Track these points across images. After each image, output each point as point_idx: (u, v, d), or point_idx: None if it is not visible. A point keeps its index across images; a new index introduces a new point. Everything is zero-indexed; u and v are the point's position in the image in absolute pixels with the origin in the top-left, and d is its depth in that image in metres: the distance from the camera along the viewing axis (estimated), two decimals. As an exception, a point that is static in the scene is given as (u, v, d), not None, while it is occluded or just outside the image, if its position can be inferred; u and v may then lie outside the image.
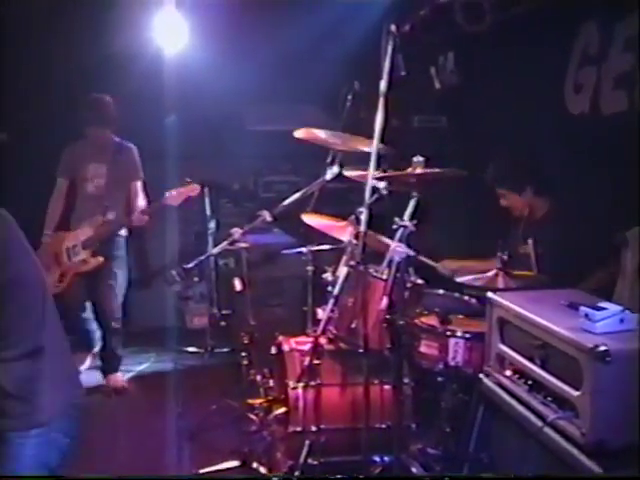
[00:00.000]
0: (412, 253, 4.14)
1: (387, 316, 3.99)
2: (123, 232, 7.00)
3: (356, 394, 4.69)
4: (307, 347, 4.74)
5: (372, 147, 4.14)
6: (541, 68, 5.77)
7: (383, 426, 4.55)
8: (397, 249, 4.00)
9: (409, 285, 4.34)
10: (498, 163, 5.47)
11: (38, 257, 6.41)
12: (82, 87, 7.35)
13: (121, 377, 7.09)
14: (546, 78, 5.72)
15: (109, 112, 6.87)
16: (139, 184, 7.01)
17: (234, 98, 7.97)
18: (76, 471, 5.03)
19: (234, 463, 5.07)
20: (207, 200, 7.78)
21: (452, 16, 5.96)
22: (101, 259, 6.75)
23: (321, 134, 5.12)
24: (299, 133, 5.17)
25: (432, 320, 4.63)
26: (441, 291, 4.98)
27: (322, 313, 4.69)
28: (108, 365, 7.08)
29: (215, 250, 5.44)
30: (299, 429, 4.72)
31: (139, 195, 6.96)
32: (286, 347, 5.01)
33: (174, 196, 6.54)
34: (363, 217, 4.06)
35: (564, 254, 4.81)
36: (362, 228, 4.03)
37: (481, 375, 4.12)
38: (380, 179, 4.32)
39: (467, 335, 4.47)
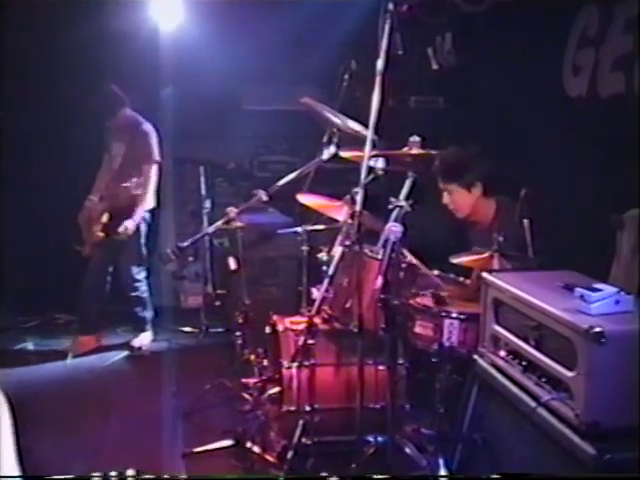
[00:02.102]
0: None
1: (382, 296, 3.98)
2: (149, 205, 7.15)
3: (350, 374, 4.70)
4: (301, 327, 4.73)
5: (368, 127, 4.13)
6: (539, 49, 5.74)
7: (377, 406, 4.55)
8: (392, 229, 3.99)
9: (404, 265, 4.33)
10: (449, 153, 5.14)
11: (79, 219, 6.59)
12: (80, 66, 7.33)
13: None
14: (544, 60, 5.69)
15: (118, 98, 7.04)
16: (153, 168, 7.09)
17: (231, 78, 7.92)
18: (69, 450, 5.08)
19: (228, 442, 5.07)
20: (202, 179, 7.78)
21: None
22: (123, 232, 6.91)
23: (323, 109, 5.10)
24: (304, 100, 5.15)
25: (427, 301, 4.62)
26: (436, 272, 4.98)
27: (317, 293, 4.68)
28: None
29: (210, 229, 5.42)
30: (293, 409, 4.73)
31: (150, 180, 7.06)
32: (280, 327, 5.01)
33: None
34: (359, 197, 4.04)
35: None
36: (357, 208, 4.02)
37: (475, 356, 4.12)
38: (376, 157, 4.30)
39: (462, 316, 4.46)
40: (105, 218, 6.92)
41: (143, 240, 7.13)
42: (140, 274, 7.23)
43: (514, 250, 4.56)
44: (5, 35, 7.03)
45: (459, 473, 4.13)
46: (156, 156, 7.08)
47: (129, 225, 6.86)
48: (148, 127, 7.08)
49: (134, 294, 7.25)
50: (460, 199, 5.17)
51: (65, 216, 7.06)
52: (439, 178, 5.16)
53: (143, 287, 7.30)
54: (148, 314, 7.39)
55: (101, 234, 6.92)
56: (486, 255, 4.53)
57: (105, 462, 4.93)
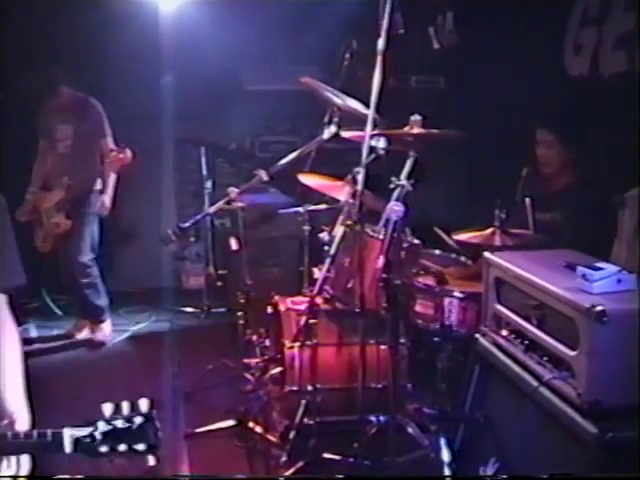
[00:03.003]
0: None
1: (384, 276, 3.97)
2: (98, 186, 6.91)
3: (352, 354, 4.71)
4: (303, 307, 4.74)
5: (369, 107, 4.11)
6: (540, 29, 5.72)
7: (379, 386, 4.56)
8: (394, 208, 3.97)
9: (406, 245, 4.32)
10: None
11: (21, 212, 6.43)
12: (79, 46, 7.30)
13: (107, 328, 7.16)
14: (546, 39, 5.67)
15: (54, 76, 6.77)
16: (109, 140, 6.82)
17: (231, 57, 7.91)
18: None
19: (230, 422, 5.08)
20: (203, 160, 7.77)
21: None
22: (69, 222, 6.77)
23: (324, 88, 5.08)
24: (305, 79, 5.13)
25: (428, 280, 4.62)
26: (437, 251, 4.97)
27: (318, 273, 4.67)
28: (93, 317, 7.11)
29: (211, 210, 5.40)
30: (295, 389, 4.74)
31: (108, 154, 6.72)
32: (282, 307, 5.01)
33: (110, 163, 6.62)
34: (360, 177, 4.03)
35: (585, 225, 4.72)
36: (359, 187, 4.01)
37: (477, 335, 4.13)
38: (377, 137, 4.29)
39: (461, 295, 4.47)
40: (62, 204, 6.77)
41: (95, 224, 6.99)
42: (91, 259, 6.97)
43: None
44: (6, 15, 6.97)
45: (461, 454, 4.15)
46: (108, 129, 6.85)
47: (106, 200, 6.83)
48: (95, 101, 6.83)
49: (86, 280, 6.93)
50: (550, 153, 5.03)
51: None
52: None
53: (95, 272, 7.03)
54: (103, 301, 7.11)
55: (65, 221, 6.78)
56: (488, 232, 4.53)
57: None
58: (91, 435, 2.29)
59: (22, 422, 2.60)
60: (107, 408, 2.34)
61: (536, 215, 4.83)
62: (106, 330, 7.10)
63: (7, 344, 2.78)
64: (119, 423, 2.31)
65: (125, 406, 2.35)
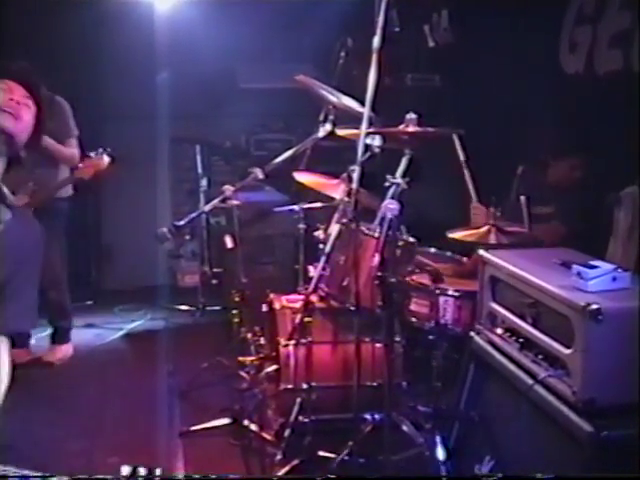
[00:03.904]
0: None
1: (379, 274, 3.97)
2: (65, 193, 6.45)
3: (347, 352, 4.72)
4: (298, 305, 4.74)
5: (364, 105, 4.11)
6: (536, 27, 5.72)
7: (374, 384, 4.57)
8: (389, 206, 3.97)
9: (401, 243, 4.32)
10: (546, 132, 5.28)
11: None
12: (74, 43, 7.30)
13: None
14: (541, 37, 5.67)
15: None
16: (73, 141, 6.40)
17: (227, 56, 7.91)
18: (66, 428, 5.09)
19: (225, 421, 5.09)
20: (199, 158, 7.77)
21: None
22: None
23: (319, 86, 5.08)
24: (299, 77, 5.13)
25: (423, 278, 4.62)
26: (433, 250, 4.97)
27: (314, 271, 4.67)
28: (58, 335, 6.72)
29: (207, 208, 5.39)
30: (290, 387, 4.74)
31: (75, 153, 6.40)
32: (277, 305, 5.02)
33: (83, 169, 6.16)
34: (355, 175, 4.02)
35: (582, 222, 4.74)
36: (354, 186, 4.01)
37: (472, 333, 4.13)
38: (373, 135, 4.29)
39: (456, 293, 4.47)
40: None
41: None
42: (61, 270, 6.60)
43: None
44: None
45: (456, 452, 4.15)
46: (74, 130, 6.43)
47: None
48: (60, 99, 6.38)
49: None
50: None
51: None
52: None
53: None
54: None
55: None
56: (483, 230, 4.54)
57: (102, 441, 4.96)
58: None
59: None
60: (125, 470, 2.38)
61: (532, 210, 4.85)
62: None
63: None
64: None
65: (142, 471, 2.39)
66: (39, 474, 2.57)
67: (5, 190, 3.19)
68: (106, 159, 6.10)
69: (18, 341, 6.29)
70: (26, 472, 2.56)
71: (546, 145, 5.22)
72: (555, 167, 5.10)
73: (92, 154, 6.14)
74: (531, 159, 5.14)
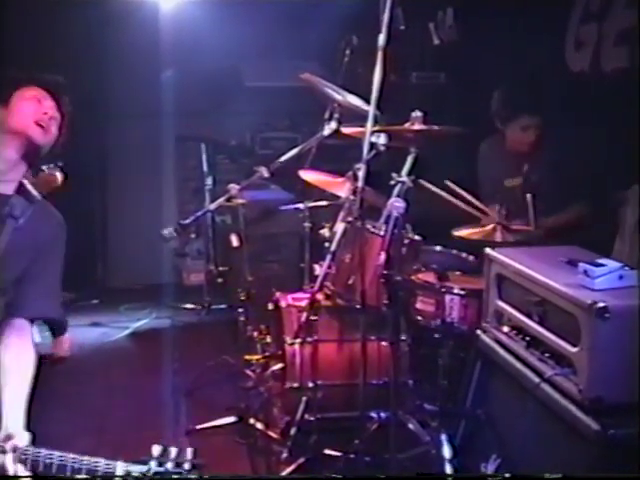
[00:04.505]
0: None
1: (384, 272, 3.97)
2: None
3: (353, 350, 4.71)
4: (304, 303, 4.73)
5: (370, 103, 4.10)
6: (541, 24, 5.71)
7: (380, 382, 4.54)
8: (395, 204, 3.97)
9: (406, 241, 4.32)
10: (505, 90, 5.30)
11: None
12: (80, 42, 7.30)
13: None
14: (547, 34, 5.66)
15: None
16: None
17: (232, 54, 7.91)
18: (72, 427, 5.10)
19: (231, 419, 5.09)
20: (204, 157, 7.77)
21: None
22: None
23: (324, 85, 5.08)
24: (305, 75, 5.12)
25: (429, 277, 4.62)
26: (438, 248, 4.96)
27: (319, 269, 4.67)
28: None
29: (212, 206, 5.39)
30: (296, 385, 4.74)
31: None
32: (283, 303, 5.01)
33: (37, 185, 6.12)
34: (361, 173, 4.02)
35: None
36: (360, 184, 4.00)
37: (479, 331, 4.13)
38: (378, 133, 4.29)
39: (462, 292, 4.46)
40: None
41: None
42: None
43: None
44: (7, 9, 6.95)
45: (462, 450, 4.15)
46: None
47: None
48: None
49: None
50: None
51: None
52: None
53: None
54: None
55: None
56: (489, 228, 4.54)
57: (108, 438, 4.96)
58: (144, 474, 2.40)
59: (21, 438, 2.71)
60: (156, 450, 2.44)
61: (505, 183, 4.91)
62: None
63: (23, 366, 3.01)
64: (170, 466, 2.42)
65: (173, 451, 2.47)
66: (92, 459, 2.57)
67: (29, 186, 3.24)
68: (59, 176, 6.01)
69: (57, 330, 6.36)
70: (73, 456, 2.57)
71: (494, 109, 5.25)
72: (508, 133, 5.17)
73: (44, 167, 6.04)
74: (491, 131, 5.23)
